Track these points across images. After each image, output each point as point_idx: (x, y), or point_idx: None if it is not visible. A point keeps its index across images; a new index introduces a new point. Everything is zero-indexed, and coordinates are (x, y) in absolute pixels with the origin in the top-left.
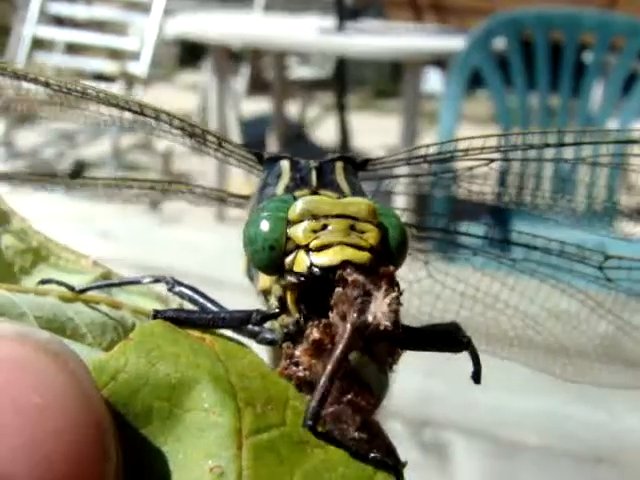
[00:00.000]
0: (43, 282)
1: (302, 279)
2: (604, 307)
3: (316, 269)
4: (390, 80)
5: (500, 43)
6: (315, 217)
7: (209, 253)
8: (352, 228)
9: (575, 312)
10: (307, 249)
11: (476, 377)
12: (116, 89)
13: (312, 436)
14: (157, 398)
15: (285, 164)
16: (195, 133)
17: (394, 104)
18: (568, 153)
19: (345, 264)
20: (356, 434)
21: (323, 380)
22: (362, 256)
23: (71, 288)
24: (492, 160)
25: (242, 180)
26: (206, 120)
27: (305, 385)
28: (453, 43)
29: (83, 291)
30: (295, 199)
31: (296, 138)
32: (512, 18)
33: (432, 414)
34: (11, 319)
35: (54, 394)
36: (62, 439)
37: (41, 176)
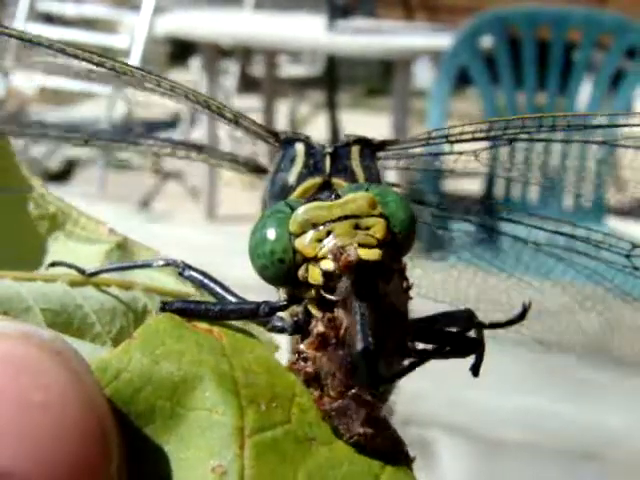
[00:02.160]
0: (53, 264)
1: (321, 290)
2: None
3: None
4: (381, 78)
5: (487, 41)
6: (316, 226)
7: (199, 251)
8: (356, 227)
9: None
10: (317, 260)
11: (475, 370)
12: (104, 88)
13: (317, 434)
14: (160, 397)
15: (300, 148)
16: (211, 107)
17: (385, 102)
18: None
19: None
20: (361, 429)
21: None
22: (372, 253)
23: (81, 271)
24: (514, 139)
25: (232, 178)
26: (196, 118)
27: (313, 381)
28: (444, 41)
29: (93, 274)
30: (291, 207)
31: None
32: (499, 16)
33: (417, 412)
34: (17, 314)
35: (56, 393)
36: (64, 438)
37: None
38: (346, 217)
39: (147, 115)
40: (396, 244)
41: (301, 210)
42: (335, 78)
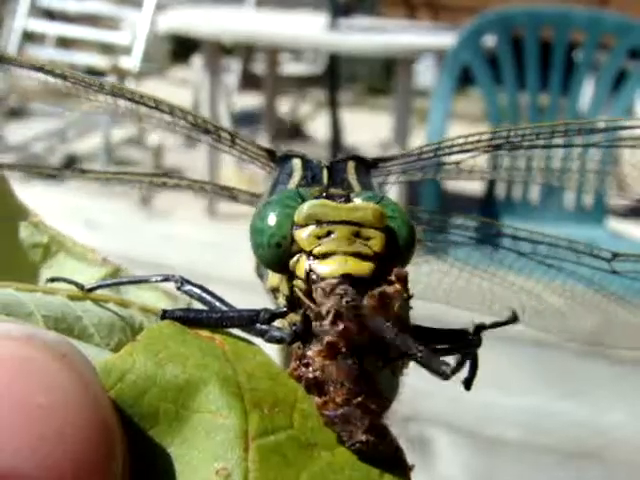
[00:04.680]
0: (52, 280)
1: (305, 284)
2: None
3: (315, 276)
4: (382, 77)
5: (490, 41)
6: (319, 223)
7: (199, 247)
8: (357, 235)
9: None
10: (310, 255)
11: (468, 384)
12: None
13: (319, 438)
14: (164, 400)
15: (297, 162)
16: (208, 130)
17: (386, 101)
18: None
19: (345, 278)
20: (364, 437)
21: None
22: (363, 268)
23: (80, 286)
24: (495, 148)
25: (233, 174)
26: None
27: (314, 387)
28: (446, 40)
29: (92, 290)
30: (300, 195)
31: (289, 133)
32: (502, 15)
33: (417, 410)
34: (19, 319)
35: (60, 394)
36: (68, 439)
37: (36, 167)
38: (350, 223)
39: None
40: (397, 256)
41: (309, 204)
42: (337, 76)
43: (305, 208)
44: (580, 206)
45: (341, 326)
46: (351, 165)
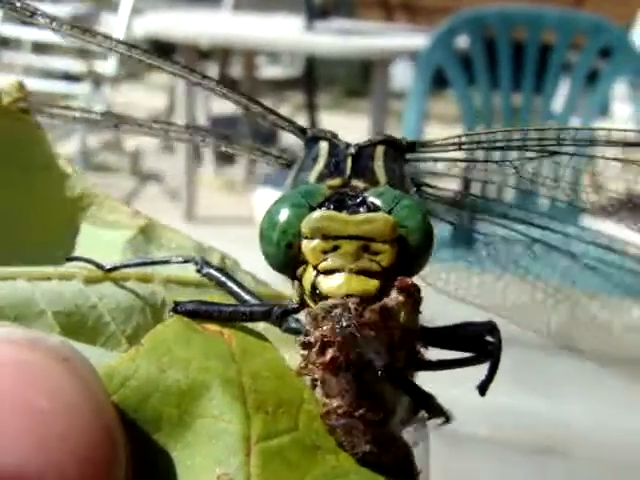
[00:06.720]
0: (70, 259)
1: (309, 298)
2: None
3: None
4: (360, 79)
5: (463, 42)
6: (326, 237)
7: (178, 252)
8: (365, 249)
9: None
10: (315, 269)
11: (483, 389)
12: (83, 89)
13: (324, 442)
14: (167, 405)
15: (324, 147)
16: (240, 102)
17: (364, 103)
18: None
19: (347, 298)
20: (367, 447)
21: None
22: (369, 287)
23: (100, 267)
24: (554, 153)
25: (211, 180)
26: (175, 119)
27: (321, 385)
28: (423, 42)
29: (112, 270)
30: (312, 195)
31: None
32: (474, 16)
33: None
34: (28, 319)
35: (63, 399)
36: (70, 443)
37: (58, 107)
38: (358, 237)
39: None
40: (410, 264)
41: (315, 216)
42: (314, 79)
43: (311, 221)
44: (555, 205)
45: (327, 357)
46: (380, 150)
